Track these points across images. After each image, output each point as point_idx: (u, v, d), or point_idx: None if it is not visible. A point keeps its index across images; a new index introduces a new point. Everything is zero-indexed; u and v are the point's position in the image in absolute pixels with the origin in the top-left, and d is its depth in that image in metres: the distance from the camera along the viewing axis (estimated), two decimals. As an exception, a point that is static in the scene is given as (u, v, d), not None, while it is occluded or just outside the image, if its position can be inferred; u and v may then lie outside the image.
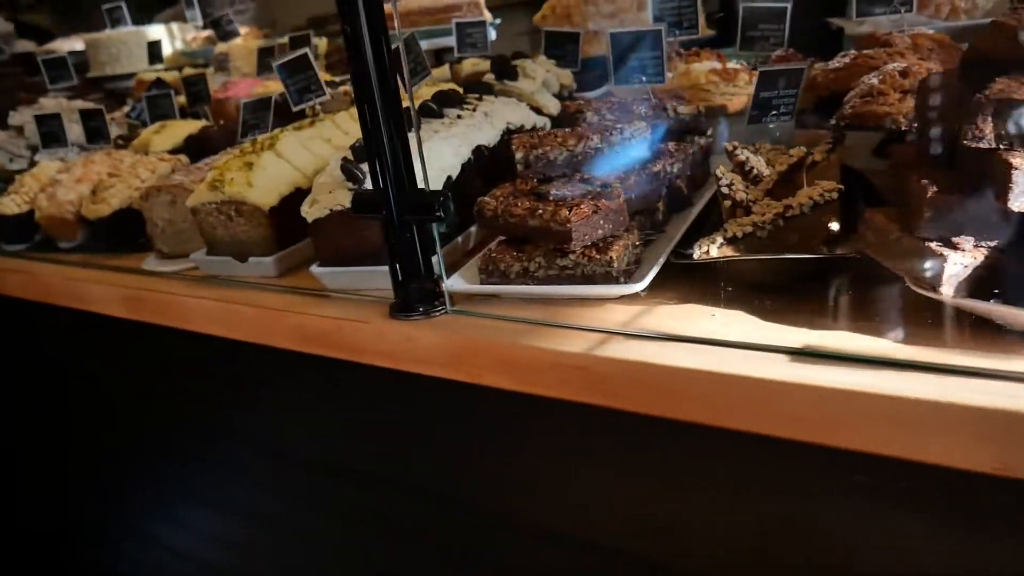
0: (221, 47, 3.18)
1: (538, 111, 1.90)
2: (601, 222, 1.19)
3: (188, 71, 3.39)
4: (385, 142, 1.23)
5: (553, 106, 1.94)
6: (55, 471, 2.57)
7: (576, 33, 2.28)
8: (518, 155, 1.37)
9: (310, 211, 1.43)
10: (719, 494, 1.10)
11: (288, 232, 1.62)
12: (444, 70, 2.48)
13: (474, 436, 1.32)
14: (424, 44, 2.73)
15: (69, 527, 2.64)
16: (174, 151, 2.27)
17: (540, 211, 1.21)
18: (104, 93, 3.52)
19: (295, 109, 1.86)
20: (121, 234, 2.01)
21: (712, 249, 1.13)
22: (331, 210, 1.41)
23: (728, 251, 1.13)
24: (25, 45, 4.90)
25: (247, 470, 1.86)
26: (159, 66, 3.51)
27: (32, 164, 2.84)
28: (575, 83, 2.13)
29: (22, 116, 2.89)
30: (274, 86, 2.64)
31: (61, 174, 2.15)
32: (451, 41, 2.44)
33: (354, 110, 1.83)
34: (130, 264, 1.89)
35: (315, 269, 1.46)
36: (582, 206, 1.18)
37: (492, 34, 2.60)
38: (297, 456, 1.69)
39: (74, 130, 2.52)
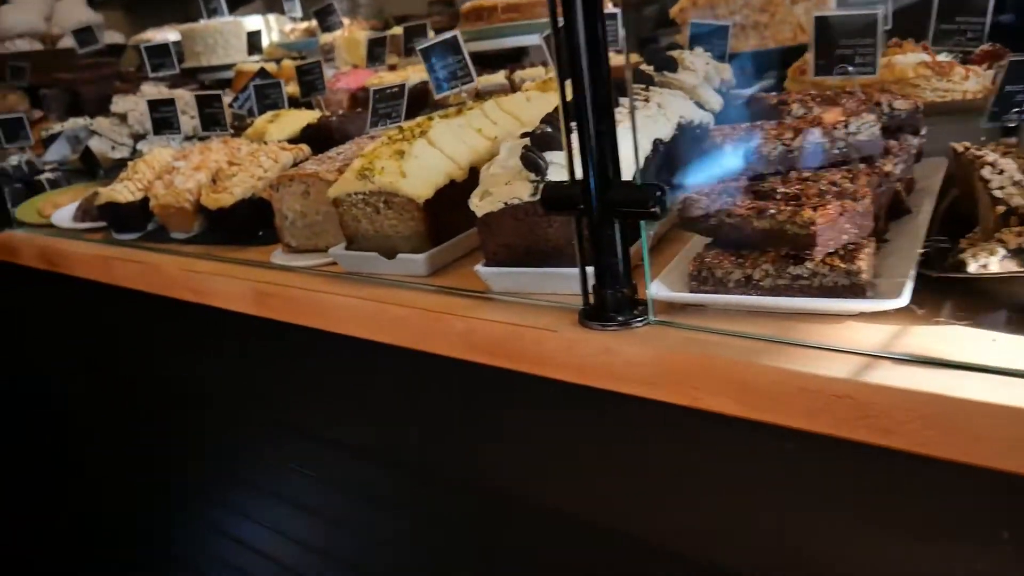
0: (326, 38, 3.10)
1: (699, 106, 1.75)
2: (847, 226, 1.04)
3: (287, 62, 3.32)
4: (591, 126, 1.09)
5: (716, 101, 1.79)
6: (144, 465, 2.49)
7: (725, 26, 2.13)
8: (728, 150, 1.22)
9: (481, 204, 1.30)
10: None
11: (440, 227, 1.49)
12: (496, 77, 2.35)
13: (672, 464, 1.17)
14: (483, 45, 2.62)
15: (159, 518, 2.56)
16: (291, 141, 2.17)
17: (772, 211, 1.06)
18: (200, 84, 3.47)
19: (438, 97, 1.74)
20: (242, 225, 1.91)
21: (992, 263, 0.97)
22: (506, 204, 1.28)
23: (1012, 265, 0.96)
24: (114, 36, 4.92)
25: (390, 488, 1.74)
26: (257, 57, 3.45)
27: (134, 152, 2.78)
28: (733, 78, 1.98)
29: (125, 103, 2.84)
30: (389, 77, 2.54)
31: (178, 161, 2.07)
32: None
33: (503, 99, 1.71)
34: (255, 257, 1.79)
35: (482, 269, 1.33)
36: (828, 207, 1.03)
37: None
38: (450, 477, 1.56)
39: (180, 118, 2.45)
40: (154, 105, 2.28)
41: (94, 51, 3.78)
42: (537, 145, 1.27)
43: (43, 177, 2.85)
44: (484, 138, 1.61)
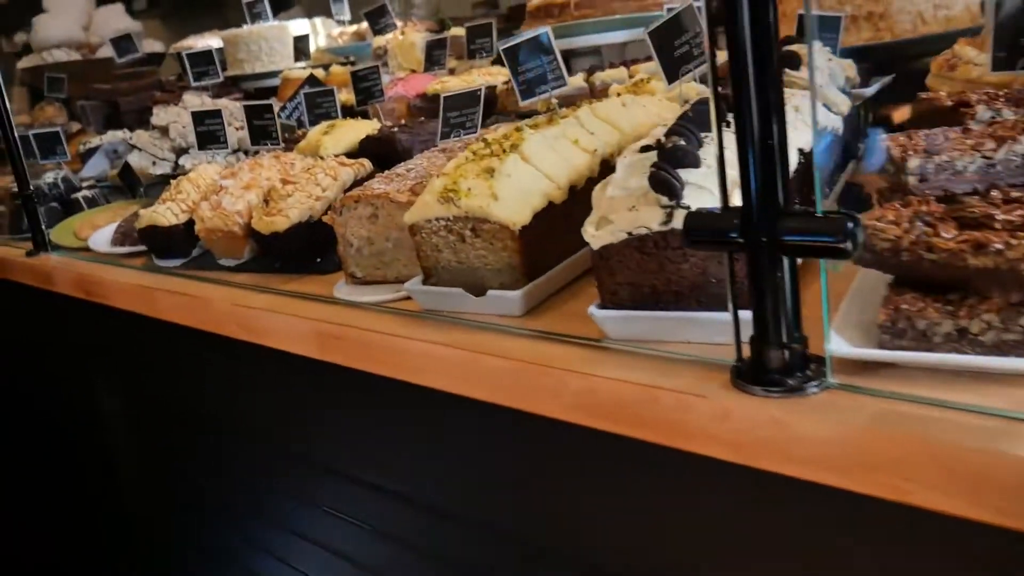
0: (379, 41, 2.91)
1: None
2: (1105, 265, 0.80)
3: (337, 68, 3.14)
4: (754, 137, 0.87)
5: (843, 103, 1.56)
6: (184, 508, 2.31)
7: (837, 17, 1.89)
8: (912, 163, 0.98)
9: (598, 235, 1.08)
10: None
11: (536, 257, 1.28)
12: (574, 80, 2.13)
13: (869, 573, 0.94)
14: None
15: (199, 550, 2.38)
16: (349, 155, 1.98)
17: (999, 246, 0.83)
18: (243, 93, 3.31)
19: (524, 104, 1.52)
20: (299, 252, 1.72)
21: None
22: (630, 234, 1.06)
23: None
24: (153, 45, 4.80)
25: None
26: (302, 64, 3.27)
27: (176, 168, 2.61)
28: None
29: (166, 115, 2.67)
30: (453, 82, 2.33)
31: (225, 180, 1.88)
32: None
33: (598, 105, 1.49)
34: (314, 289, 1.59)
35: (598, 312, 1.11)
36: (1080, 241, 0.79)
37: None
38: (549, 549, 1.34)
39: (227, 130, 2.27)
40: (199, 117, 2.10)
41: (133, 60, 3.64)
42: (669, 161, 1.05)
43: (80, 195, 2.70)
44: (582, 151, 1.40)
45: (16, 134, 2.42)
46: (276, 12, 3.76)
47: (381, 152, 1.96)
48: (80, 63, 4.43)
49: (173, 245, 1.93)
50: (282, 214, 1.70)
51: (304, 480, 1.82)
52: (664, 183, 1.02)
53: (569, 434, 1.09)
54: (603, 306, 1.12)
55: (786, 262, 0.89)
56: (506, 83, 2.23)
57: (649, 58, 2.24)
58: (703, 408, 0.94)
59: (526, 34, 1.53)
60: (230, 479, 2.06)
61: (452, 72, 2.59)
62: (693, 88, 1.78)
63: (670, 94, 1.74)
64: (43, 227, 2.42)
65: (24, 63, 4.55)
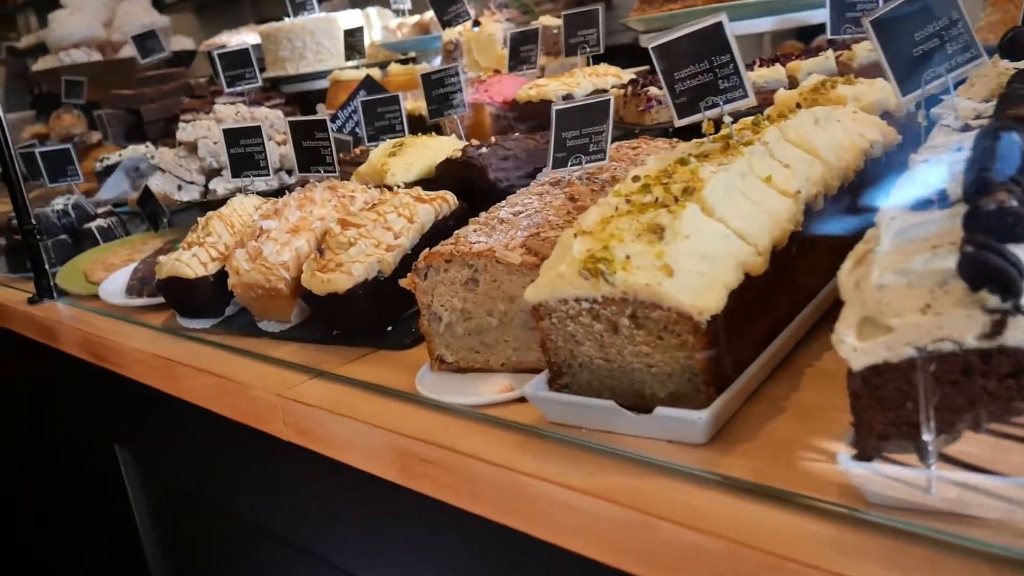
0: (450, 34, 2.59)
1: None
2: None
3: (397, 67, 2.84)
4: None
5: None
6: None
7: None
8: None
9: (865, 348, 0.72)
10: None
11: (723, 359, 0.94)
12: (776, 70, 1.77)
13: None
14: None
15: None
16: (424, 184, 1.66)
17: None
18: (286, 98, 3.02)
19: (679, 123, 1.18)
20: (365, 319, 1.40)
21: None
22: (922, 350, 0.70)
23: None
24: (182, 42, 4.58)
25: None
26: (355, 62, 2.98)
27: (206, 192, 2.33)
28: None
29: (194, 130, 2.39)
30: (553, 86, 2.00)
31: (267, 220, 1.57)
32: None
33: (788, 125, 1.14)
34: (387, 375, 1.27)
35: (858, 467, 0.76)
36: None
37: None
38: None
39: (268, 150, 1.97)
40: (232, 137, 1.79)
41: (159, 60, 3.40)
42: (991, 231, 0.69)
43: (94, 225, 2.44)
44: (780, 194, 1.05)
45: (16, 153, 2.16)
46: (322, 1, 3.49)
47: (465, 180, 1.64)
48: (100, 64, 4.21)
49: (201, 302, 1.63)
50: (342, 269, 1.38)
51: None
52: (991, 271, 0.67)
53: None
54: (863, 450, 0.77)
55: None
56: (623, 87, 1.89)
57: (803, 54, 1.89)
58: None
59: (703, 22, 1.18)
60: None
61: (543, 71, 2.26)
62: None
63: (865, 103, 1.38)
64: (47, 268, 2.15)
65: (39, 65, 4.36)
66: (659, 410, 0.93)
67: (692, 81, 1.14)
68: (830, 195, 1.12)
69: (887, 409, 0.74)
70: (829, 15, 1.78)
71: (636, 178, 1.05)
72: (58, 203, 2.51)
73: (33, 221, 2.18)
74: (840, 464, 0.77)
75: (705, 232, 0.94)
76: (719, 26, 1.09)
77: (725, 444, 0.92)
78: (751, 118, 1.24)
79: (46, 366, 2.22)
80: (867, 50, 1.76)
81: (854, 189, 1.19)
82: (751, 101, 1.11)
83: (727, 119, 1.14)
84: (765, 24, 1.94)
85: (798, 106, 1.33)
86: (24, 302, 2.16)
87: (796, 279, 1.08)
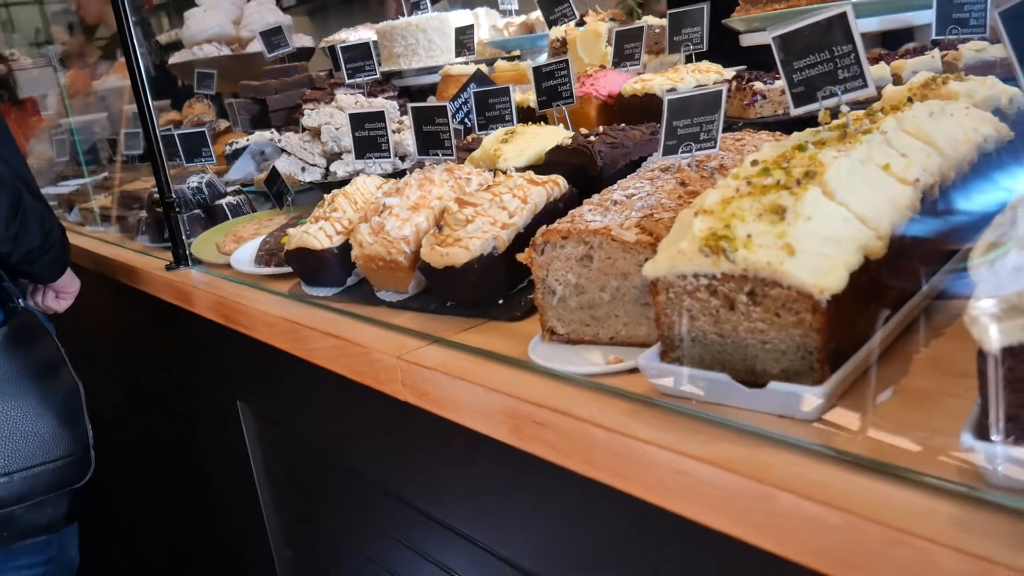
0: (556, 33, 2.57)
1: None
2: None
3: (504, 64, 2.83)
4: None
5: None
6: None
7: None
8: None
9: (999, 329, 0.68)
10: None
11: (839, 339, 0.90)
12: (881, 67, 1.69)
13: None
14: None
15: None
16: (535, 169, 1.65)
17: None
18: (398, 91, 3.05)
19: (795, 112, 1.14)
20: (479, 292, 1.39)
21: None
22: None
23: None
24: (303, 40, 4.66)
25: None
26: (464, 59, 2.98)
27: (327, 174, 2.36)
28: None
29: (318, 116, 2.43)
30: (657, 81, 1.96)
31: (389, 197, 1.58)
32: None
33: (906, 116, 1.09)
34: (499, 343, 1.27)
35: (984, 447, 0.72)
36: None
37: None
38: None
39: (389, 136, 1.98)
40: (358, 121, 1.81)
41: (283, 55, 3.47)
42: None
43: (224, 202, 2.50)
44: (898, 181, 1.00)
45: (159, 134, 2.22)
46: (435, 1, 3.50)
47: (575, 167, 1.62)
48: (229, 58, 4.32)
49: (325, 272, 1.65)
50: (460, 244, 1.38)
51: (456, 554, 1.49)
52: None
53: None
54: (986, 435, 0.72)
55: None
56: (728, 83, 1.84)
57: (914, 51, 1.80)
58: None
59: (828, 8, 1.13)
60: (369, 535, 1.77)
61: (645, 68, 2.22)
62: (1006, 91, 1.35)
63: (977, 99, 1.31)
64: (184, 238, 2.21)
65: (175, 58, 4.49)
66: (773, 385, 0.90)
67: (811, 71, 1.10)
68: (946, 185, 1.07)
69: (1018, 391, 0.70)
70: (935, 15, 1.71)
71: (755, 162, 1.02)
72: (193, 181, 2.59)
73: (172, 196, 2.24)
74: (963, 444, 0.73)
75: (827, 214, 0.90)
76: (843, 16, 1.05)
77: (837, 421, 0.89)
78: (863, 110, 1.19)
79: (180, 327, 2.29)
80: (974, 50, 1.67)
81: (968, 181, 1.13)
82: (871, 91, 1.06)
83: (844, 108, 1.09)
84: (871, 24, 1.86)
85: (909, 100, 1.27)
86: (162, 269, 2.23)
87: (908, 266, 1.03)
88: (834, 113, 1.14)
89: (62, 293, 2.29)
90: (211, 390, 2.32)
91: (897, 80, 1.65)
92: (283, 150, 2.45)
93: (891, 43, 2.68)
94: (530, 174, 1.54)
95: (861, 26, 1.57)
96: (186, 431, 2.66)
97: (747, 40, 2.06)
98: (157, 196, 2.29)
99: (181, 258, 2.21)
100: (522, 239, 1.37)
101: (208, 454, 2.51)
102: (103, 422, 2.27)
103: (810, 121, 1.18)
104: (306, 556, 2.15)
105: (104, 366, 3.19)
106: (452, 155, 1.68)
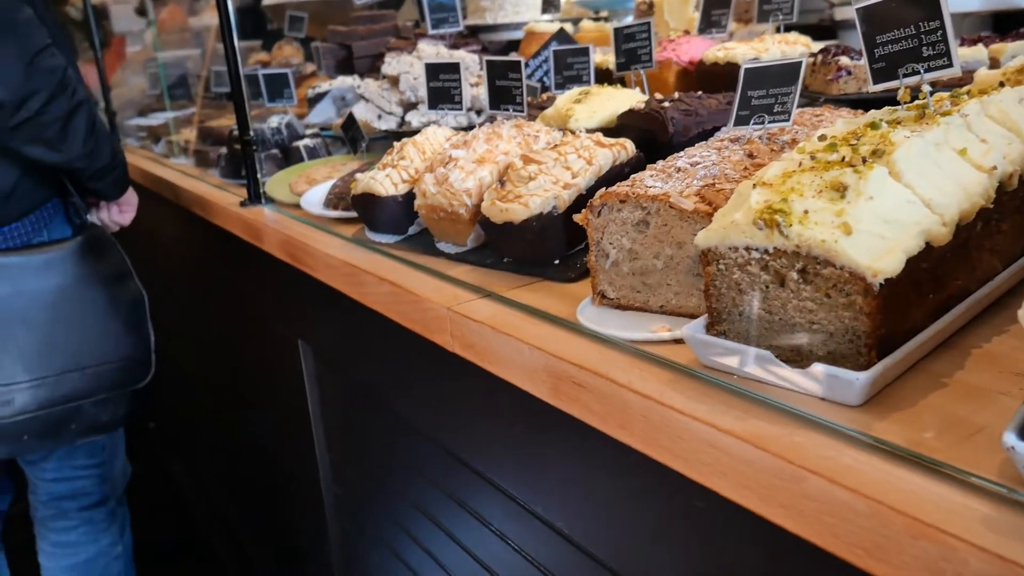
0: (643, -6, 2.53)
1: None
2: None
3: (588, 24, 2.79)
4: None
5: None
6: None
7: None
8: None
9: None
10: None
11: (890, 326, 0.87)
12: (975, 51, 1.61)
13: None
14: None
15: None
16: (605, 132, 1.63)
17: None
18: (482, 46, 3.04)
19: (873, 88, 1.09)
20: (535, 250, 1.40)
21: None
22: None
23: None
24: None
25: None
26: (550, 16, 2.95)
27: (402, 123, 2.38)
28: None
29: (398, 65, 2.44)
30: (741, 50, 1.91)
31: (456, 149, 1.59)
32: None
33: (990, 100, 1.03)
34: (549, 303, 1.27)
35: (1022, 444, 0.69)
36: None
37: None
38: None
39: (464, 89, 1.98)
40: (433, 71, 1.82)
41: (372, 2, 3.49)
42: None
43: (301, 144, 2.54)
44: (974, 167, 0.96)
45: (244, 73, 2.27)
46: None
47: (645, 132, 1.60)
48: (321, 3, 4.36)
49: (388, 219, 1.67)
50: (520, 200, 1.38)
51: (486, 502, 1.52)
52: None
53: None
54: (1030, 436, 0.70)
55: None
56: (813, 55, 1.78)
57: (1013, 35, 1.71)
58: None
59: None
60: (413, 480, 1.81)
61: (731, 36, 2.17)
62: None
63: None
64: (259, 176, 2.27)
65: (268, 0, 4.56)
66: (817, 366, 0.88)
67: (894, 47, 1.05)
68: (1026, 177, 1.02)
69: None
70: (1044, -2, 1.61)
71: (823, 137, 0.99)
72: (273, 121, 2.64)
73: (251, 134, 2.30)
74: (1004, 442, 0.70)
75: (890, 195, 0.87)
76: (930, -11, 1.00)
77: (879, 410, 0.86)
78: (948, 92, 1.14)
79: (249, 262, 2.35)
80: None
81: (1053, 175, 1.07)
82: (955, 72, 1.01)
83: (926, 87, 1.05)
84: (973, 4, 1.77)
85: (1001, 85, 1.21)
86: (236, 205, 2.29)
87: (976, 257, 0.99)
88: (916, 94, 1.10)
89: (124, 206, 2.47)
90: (274, 326, 2.39)
91: (994, 64, 1.57)
92: (362, 96, 2.48)
93: (1002, 27, 2.54)
94: (598, 136, 1.53)
95: (962, 5, 1.50)
96: (248, 362, 2.74)
97: (840, 13, 1.99)
98: (237, 133, 2.35)
99: (255, 195, 2.26)
100: (584, 200, 1.36)
101: (267, 387, 2.59)
102: (168, 345, 2.36)
103: (895, 101, 1.14)
104: (353, 494, 2.21)
105: (174, 292, 3.31)
106: (523, 112, 1.67)
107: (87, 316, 2.22)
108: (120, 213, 2.46)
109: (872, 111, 1.13)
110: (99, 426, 2.28)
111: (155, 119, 3.89)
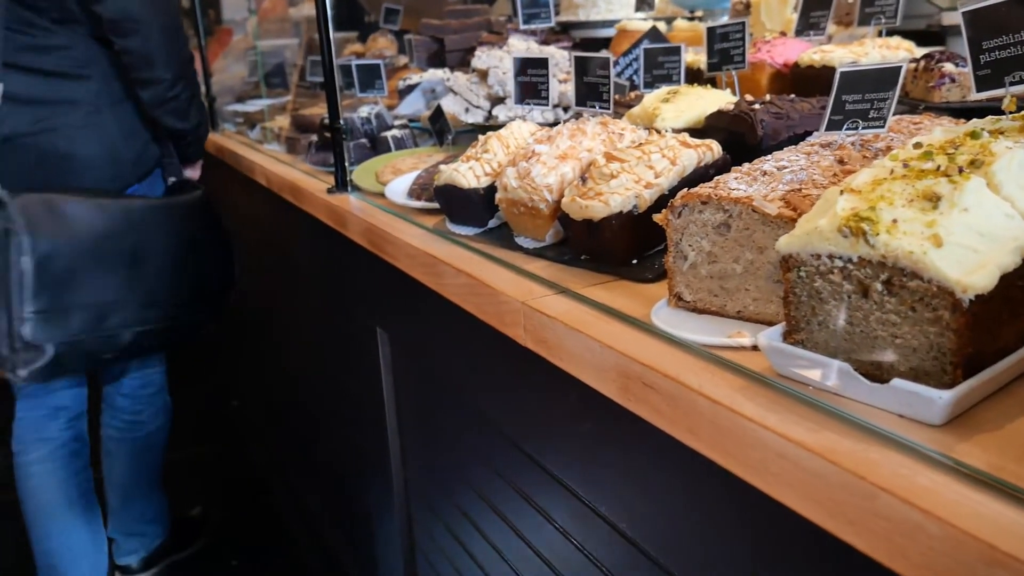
0: (741, -6, 2.48)
1: None
2: None
3: (681, 23, 2.76)
4: None
5: None
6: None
7: None
8: None
9: None
10: None
11: (978, 343, 0.84)
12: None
13: None
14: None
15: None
16: (692, 132, 1.61)
17: None
18: (573, 42, 3.03)
19: (977, 96, 1.05)
20: (613, 248, 1.39)
21: None
22: None
23: None
24: (488, -17, 4.70)
25: None
26: (643, 14, 2.92)
27: (489, 117, 2.39)
28: None
29: (488, 58, 2.46)
30: (839, 53, 1.86)
31: (539, 144, 1.59)
32: None
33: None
34: (625, 303, 1.26)
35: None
36: None
37: None
38: None
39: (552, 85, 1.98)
40: (521, 65, 1.83)
41: (466, -3, 3.52)
42: None
43: (389, 134, 2.59)
44: (1078, 182, 0.91)
45: (337, 63, 2.32)
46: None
47: (733, 134, 1.57)
48: (416, -4, 4.43)
49: (469, 211, 1.69)
50: (601, 198, 1.37)
51: (544, 493, 1.52)
52: None
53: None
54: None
55: None
56: (915, 61, 1.72)
57: None
58: None
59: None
60: (481, 470, 1.82)
61: (830, 39, 2.11)
62: None
63: None
64: (347, 165, 2.32)
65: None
66: (897, 381, 0.85)
67: (1001, 53, 1.01)
68: None
69: None
70: None
71: (918, 144, 0.95)
72: (363, 111, 2.69)
73: (341, 123, 2.35)
74: (1096, 473, 0.67)
75: (987, 208, 0.83)
76: (1044, -6, 0.95)
77: (961, 431, 0.83)
78: (1059, 103, 1.08)
79: (334, 249, 2.40)
80: None
81: None
82: None
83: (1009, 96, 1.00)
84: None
85: (1118, 98, 1.14)
86: (324, 191, 2.35)
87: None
88: (1022, 104, 1.05)
89: (198, 167, 3.05)
90: (354, 312, 2.44)
91: (1113, 76, 1.48)
92: (451, 89, 2.50)
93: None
94: (684, 136, 1.51)
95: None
96: (327, 347, 2.81)
97: (948, 19, 1.91)
98: (328, 121, 2.40)
99: (342, 183, 2.31)
100: (666, 201, 1.35)
101: (345, 372, 2.65)
102: (251, 326, 2.43)
103: (1000, 110, 1.09)
104: (422, 480, 2.24)
105: (261, 275, 3.41)
106: (609, 109, 1.66)
107: (188, 252, 2.74)
108: (192, 171, 3.02)
109: (974, 120, 1.08)
110: (189, 330, 2.85)
111: (252, 106, 4.01)
